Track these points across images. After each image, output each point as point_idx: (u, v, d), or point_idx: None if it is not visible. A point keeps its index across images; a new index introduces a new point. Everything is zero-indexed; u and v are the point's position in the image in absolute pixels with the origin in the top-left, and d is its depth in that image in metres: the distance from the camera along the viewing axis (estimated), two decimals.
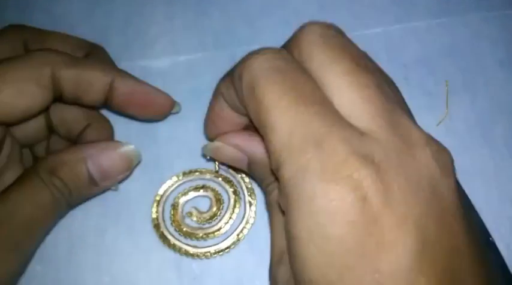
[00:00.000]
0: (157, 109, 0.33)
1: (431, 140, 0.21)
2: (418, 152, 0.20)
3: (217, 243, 0.32)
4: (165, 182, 0.34)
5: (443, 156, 0.21)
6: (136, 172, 0.34)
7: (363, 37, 0.38)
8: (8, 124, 0.29)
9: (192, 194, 0.34)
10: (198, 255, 0.32)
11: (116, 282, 0.31)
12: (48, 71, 0.27)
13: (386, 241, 0.18)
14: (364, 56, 0.23)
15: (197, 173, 0.34)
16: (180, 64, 0.38)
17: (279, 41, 0.38)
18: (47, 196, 0.27)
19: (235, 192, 0.33)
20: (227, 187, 0.34)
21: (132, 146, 0.31)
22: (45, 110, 0.30)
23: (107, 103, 0.31)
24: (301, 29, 0.24)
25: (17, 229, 0.27)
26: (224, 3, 0.40)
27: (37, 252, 0.31)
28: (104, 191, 0.32)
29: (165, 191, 0.33)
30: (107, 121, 0.34)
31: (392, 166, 0.19)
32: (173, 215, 0.33)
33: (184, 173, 0.34)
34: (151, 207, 0.33)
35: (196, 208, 0.33)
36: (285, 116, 0.20)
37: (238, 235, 0.32)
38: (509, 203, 0.33)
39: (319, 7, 0.40)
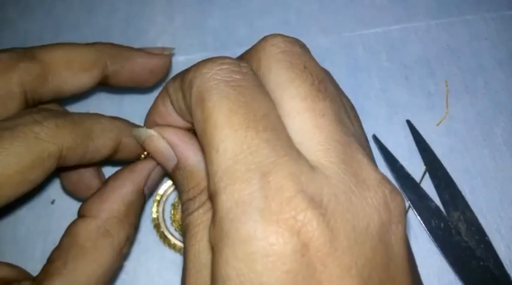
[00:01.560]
0: (156, 75, 0.32)
1: (384, 181, 0.19)
2: (369, 195, 0.18)
3: None
4: (165, 182, 0.34)
5: (395, 200, 0.19)
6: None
7: (363, 37, 0.39)
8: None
9: None
10: None
11: (116, 282, 0.31)
12: (54, 161, 0.24)
13: None
14: (326, 79, 0.21)
15: None
16: (180, 64, 0.37)
17: None
18: (117, 252, 0.25)
19: None
20: None
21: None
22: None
23: (108, 85, 0.30)
24: (264, 39, 0.22)
25: None
26: (224, 4, 0.40)
27: (38, 253, 0.31)
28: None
29: (165, 191, 0.33)
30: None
31: (340, 209, 0.18)
32: (173, 215, 0.33)
33: None
34: (152, 207, 0.33)
35: None
36: (232, 138, 0.18)
37: None
38: (509, 203, 0.33)
39: (319, 7, 0.40)
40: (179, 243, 0.32)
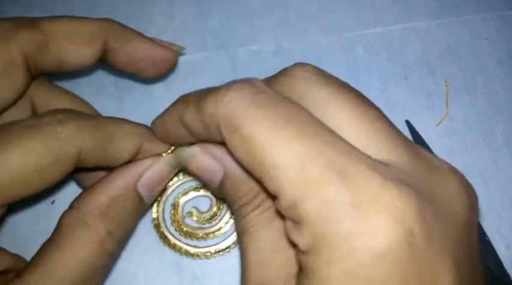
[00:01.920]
0: (160, 66, 0.31)
1: (454, 169, 0.20)
2: (448, 182, 0.19)
3: (218, 243, 0.32)
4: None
5: (471, 189, 0.20)
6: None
7: (363, 37, 0.39)
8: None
9: (192, 194, 0.34)
10: (198, 255, 0.32)
11: (115, 282, 0.31)
12: (74, 155, 0.23)
13: (427, 279, 0.17)
14: (294, 114, 0.20)
15: None
16: (180, 64, 0.37)
17: (279, 41, 0.38)
18: (96, 246, 0.24)
19: None
20: None
21: (171, 154, 0.27)
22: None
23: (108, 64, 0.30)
24: (293, 67, 0.22)
25: None
26: (224, 3, 0.40)
27: None
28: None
29: (165, 191, 0.33)
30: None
31: (426, 194, 0.17)
32: (173, 215, 0.33)
33: (184, 173, 0.34)
34: (152, 207, 0.33)
35: (196, 208, 0.33)
36: (288, 151, 0.18)
37: None
38: (509, 203, 0.33)
39: (319, 7, 0.40)
40: (179, 243, 0.32)
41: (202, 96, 0.21)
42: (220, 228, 0.33)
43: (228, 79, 0.36)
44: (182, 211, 0.33)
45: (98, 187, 0.25)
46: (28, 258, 0.31)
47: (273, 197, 0.19)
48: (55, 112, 0.25)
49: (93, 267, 0.24)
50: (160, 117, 0.26)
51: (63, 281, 0.23)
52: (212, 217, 0.33)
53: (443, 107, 0.36)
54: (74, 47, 0.27)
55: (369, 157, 0.18)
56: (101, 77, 0.37)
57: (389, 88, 0.37)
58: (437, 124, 0.36)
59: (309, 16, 0.39)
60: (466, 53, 0.38)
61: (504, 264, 0.31)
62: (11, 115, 0.27)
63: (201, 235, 0.32)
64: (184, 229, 0.33)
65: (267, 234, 0.22)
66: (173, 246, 0.32)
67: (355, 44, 0.38)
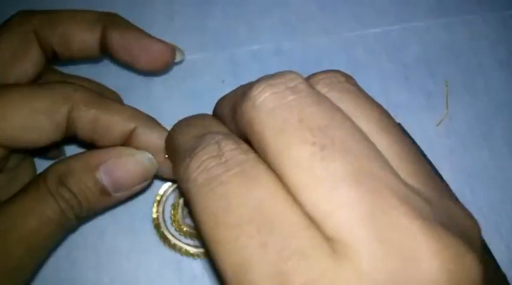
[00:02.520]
0: (156, 59, 0.32)
1: (444, 246, 0.15)
2: (422, 271, 0.14)
3: None
4: (165, 182, 0.34)
5: (463, 268, 0.15)
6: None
7: (363, 37, 0.39)
8: (11, 150, 0.26)
9: None
10: (198, 255, 0.32)
11: (115, 283, 0.31)
12: (65, 109, 0.25)
13: None
14: (331, 124, 0.17)
15: None
16: (180, 65, 0.37)
17: (279, 41, 0.38)
18: (53, 208, 0.24)
19: None
20: None
21: (149, 155, 0.27)
22: (54, 144, 0.27)
23: (104, 52, 0.31)
24: (249, 95, 0.18)
25: (16, 245, 0.24)
26: (224, 4, 0.40)
27: None
28: (117, 205, 0.29)
29: (165, 191, 0.33)
30: (156, 122, 0.29)
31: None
32: (173, 215, 0.33)
33: None
34: (152, 207, 0.33)
35: None
36: (225, 254, 0.16)
37: None
38: (509, 203, 0.33)
39: (319, 7, 0.40)
40: (179, 243, 0.32)
41: (177, 151, 0.21)
42: None
43: (228, 79, 0.37)
44: (182, 211, 0.33)
45: (62, 159, 0.26)
46: None
47: None
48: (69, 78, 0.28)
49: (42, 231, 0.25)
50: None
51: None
52: None
53: (443, 107, 0.36)
54: (77, 28, 0.29)
55: (314, 261, 0.15)
56: (101, 77, 0.37)
57: (389, 88, 0.37)
58: (437, 124, 0.36)
59: (309, 16, 0.40)
60: (466, 53, 0.38)
61: (500, 265, 0.30)
62: None
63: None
64: (185, 229, 0.33)
65: None
66: (173, 247, 0.32)
67: (355, 44, 0.38)
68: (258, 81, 0.18)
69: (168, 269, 0.32)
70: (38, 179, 0.25)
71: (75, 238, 0.32)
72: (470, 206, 0.33)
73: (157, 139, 0.27)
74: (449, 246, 0.15)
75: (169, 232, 0.32)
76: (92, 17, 0.30)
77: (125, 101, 0.36)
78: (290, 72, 0.18)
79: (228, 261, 0.16)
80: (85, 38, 0.30)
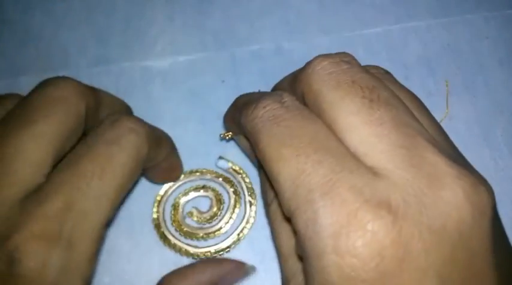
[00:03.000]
0: (169, 179, 0.34)
1: (463, 175, 0.18)
2: (445, 192, 0.18)
3: (218, 243, 0.32)
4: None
5: (477, 193, 0.18)
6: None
7: (363, 37, 0.39)
8: None
9: (192, 194, 0.34)
10: (198, 255, 0.32)
11: (116, 283, 0.31)
12: (83, 105, 0.25)
13: None
14: (377, 87, 0.21)
15: (198, 174, 0.34)
16: (180, 65, 0.38)
17: (279, 41, 0.38)
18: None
19: (235, 192, 0.33)
20: (227, 187, 0.34)
21: (252, 265, 0.31)
22: None
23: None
24: (309, 65, 0.22)
25: None
26: (224, 3, 0.40)
27: None
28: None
29: (165, 192, 0.33)
30: (178, 157, 0.33)
31: (411, 213, 0.17)
32: (174, 215, 0.33)
33: (185, 174, 0.34)
34: (152, 207, 0.33)
35: (196, 208, 0.33)
36: (286, 168, 0.19)
37: (238, 235, 0.32)
38: (509, 203, 0.33)
39: (319, 7, 0.40)
40: (179, 244, 0.32)
41: (243, 105, 0.24)
42: (221, 228, 0.33)
43: (228, 79, 0.37)
44: (182, 211, 0.33)
45: (190, 275, 0.28)
46: None
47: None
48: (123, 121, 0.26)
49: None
50: (226, 112, 0.31)
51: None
52: (212, 217, 0.33)
53: (444, 107, 0.36)
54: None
55: (361, 170, 0.19)
56: (101, 77, 0.37)
57: None
58: None
59: (309, 16, 0.39)
60: (466, 53, 0.38)
61: None
62: None
63: (201, 235, 0.32)
64: (185, 229, 0.33)
65: (286, 231, 0.23)
66: (173, 247, 0.32)
67: (355, 44, 0.38)
68: (317, 56, 0.22)
69: (168, 269, 0.32)
70: None
71: None
72: None
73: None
74: (468, 177, 0.18)
75: (169, 232, 0.33)
76: (122, 104, 0.31)
77: (125, 101, 0.36)
78: (345, 52, 0.23)
79: (287, 172, 0.19)
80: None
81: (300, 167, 0.19)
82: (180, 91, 0.37)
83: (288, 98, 0.22)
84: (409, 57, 0.38)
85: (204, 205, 0.33)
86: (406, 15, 0.39)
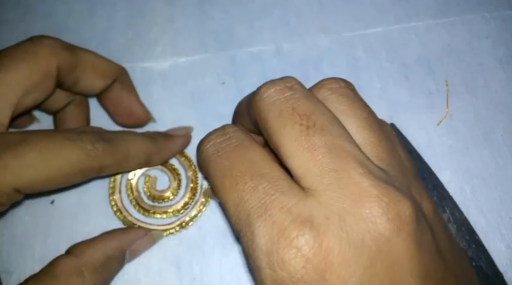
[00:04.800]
0: (130, 122, 0.35)
1: (383, 194, 0.20)
2: (364, 211, 0.20)
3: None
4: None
5: (396, 209, 0.20)
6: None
7: (363, 37, 0.39)
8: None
9: (139, 171, 0.34)
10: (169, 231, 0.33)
11: (116, 283, 0.31)
12: (97, 167, 0.28)
13: None
14: (315, 112, 0.23)
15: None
16: (180, 66, 0.38)
17: (279, 42, 0.38)
18: None
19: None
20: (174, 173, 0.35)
21: (159, 230, 0.33)
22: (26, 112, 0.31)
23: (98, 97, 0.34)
24: (258, 92, 0.24)
25: None
26: (224, 5, 0.40)
27: (38, 253, 0.32)
28: None
29: (115, 179, 0.34)
30: (85, 100, 0.35)
31: (332, 228, 0.20)
32: (134, 198, 0.34)
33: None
34: (110, 200, 0.34)
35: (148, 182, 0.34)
36: (229, 196, 0.22)
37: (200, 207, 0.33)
38: (509, 203, 0.33)
39: (319, 7, 0.40)
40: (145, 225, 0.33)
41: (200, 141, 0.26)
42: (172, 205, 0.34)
43: (228, 81, 0.37)
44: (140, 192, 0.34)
45: (97, 243, 0.29)
46: (27, 258, 0.31)
47: None
48: (90, 130, 0.30)
49: None
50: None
51: None
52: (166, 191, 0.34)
53: (444, 107, 0.36)
54: (92, 77, 0.32)
55: (292, 193, 0.21)
56: None
57: (389, 88, 0.37)
58: (438, 124, 0.36)
59: (309, 16, 0.40)
60: (466, 53, 0.38)
61: (496, 263, 0.30)
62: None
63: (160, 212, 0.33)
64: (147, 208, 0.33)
65: None
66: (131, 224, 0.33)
67: (355, 44, 0.38)
68: (265, 82, 0.24)
69: (168, 269, 0.32)
70: (69, 265, 0.28)
71: (76, 239, 0.32)
72: (471, 206, 0.33)
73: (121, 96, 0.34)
74: (388, 195, 0.20)
75: (133, 217, 0.33)
76: (108, 69, 0.33)
77: None
78: (289, 76, 0.25)
79: (230, 200, 0.22)
80: (95, 84, 0.32)
81: (239, 195, 0.22)
82: (180, 93, 0.37)
83: (230, 129, 0.25)
84: (409, 57, 0.38)
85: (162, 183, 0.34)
86: (406, 16, 0.39)
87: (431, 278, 0.21)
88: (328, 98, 0.25)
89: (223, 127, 0.26)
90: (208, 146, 0.25)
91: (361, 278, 0.19)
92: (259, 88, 0.24)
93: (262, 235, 0.20)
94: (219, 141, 0.25)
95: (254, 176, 0.22)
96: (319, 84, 0.25)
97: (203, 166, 0.25)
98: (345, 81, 0.26)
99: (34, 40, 0.29)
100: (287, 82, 0.24)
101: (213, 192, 0.24)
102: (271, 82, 0.24)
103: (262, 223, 0.20)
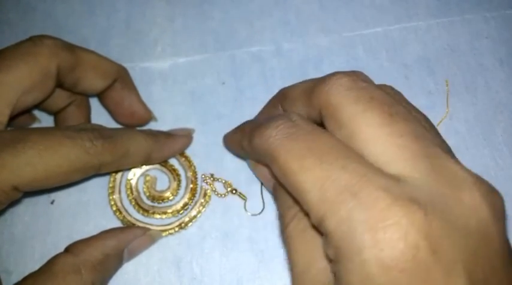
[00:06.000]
0: (131, 121, 0.35)
1: (480, 182, 0.20)
2: (465, 195, 0.20)
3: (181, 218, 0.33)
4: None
5: (493, 198, 0.20)
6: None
7: (363, 37, 0.39)
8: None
9: (139, 171, 0.34)
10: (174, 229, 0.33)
11: (116, 283, 0.31)
12: (96, 164, 0.28)
13: None
14: (394, 103, 0.23)
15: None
16: (180, 66, 0.38)
17: (279, 42, 0.38)
18: None
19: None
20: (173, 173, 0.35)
21: (157, 230, 0.32)
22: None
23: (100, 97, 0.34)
24: (328, 79, 0.24)
25: None
26: (224, 5, 0.40)
27: (38, 253, 0.32)
28: None
29: (115, 178, 0.34)
30: (86, 101, 0.35)
31: (438, 210, 0.19)
32: (134, 199, 0.34)
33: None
34: (110, 199, 0.33)
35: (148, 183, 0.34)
36: (311, 176, 0.21)
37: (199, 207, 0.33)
38: (509, 203, 0.33)
39: (319, 7, 0.40)
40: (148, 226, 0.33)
41: (252, 129, 0.25)
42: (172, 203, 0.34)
43: (228, 81, 0.37)
44: (139, 193, 0.34)
45: (95, 242, 0.29)
46: (27, 258, 0.32)
47: (307, 214, 0.22)
48: (90, 127, 0.30)
49: None
50: (228, 135, 0.33)
51: None
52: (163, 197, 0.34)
53: (444, 107, 0.36)
54: (93, 76, 0.32)
55: (384, 174, 0.20)
56: None
57: None
58: (438, 124, 0.36)
59: (309, 16, 0.40)
60: (466, 53, 0.38)
61: None
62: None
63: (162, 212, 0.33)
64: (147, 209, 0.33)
65: (305, 245, 0.24)
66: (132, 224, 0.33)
67: (355, 44, 0.38)
68: (334, 72, 0.24)
69: (168, 269, 0.32)
70: (68, 262, 0.28)
71: (76, 238, 0.32)
72: None
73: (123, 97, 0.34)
74: (484, 184, 0.20)
75: (132, 217, 0.33)
76: (109, 69, 0.33)
77: None
78: (359, 71, 0.25)
79: (314, 180, 0.21)
80: (95, 84, 0.32)
81: (324, 174, 0.20)
82: (180, 93, 0.37)
83: (297, 117, 0.24)
84: (409, 57, 0.38)
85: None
86: (406, 15, 0.39)
87: None
88: (333, 102, 0.24)
89: (289, 115, 0.24)
90: (276, 131, 0.23)
91: (466, 266, 0.19)
92: (329, 76, 0.24)
93: (362, 212, 0.19)
94: (288, 125, 0.23)
95: (339, 158, 0.21)
96: (322, 83, 0.25)
97: (269, 151, 0.23)
98: (346, 77, 0.25)
99: (34, 40, 0.29)
100: (360, 75, 0.24)
101: (283, 179, 0.23)
102: (343, 73, 0.24)
103: (361, 201, 0.19)
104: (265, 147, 0.24)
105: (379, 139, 0.21)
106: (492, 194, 0.20)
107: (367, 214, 0.19)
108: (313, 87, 0.25)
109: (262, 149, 0.24)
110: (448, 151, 0.23)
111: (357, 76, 0.24)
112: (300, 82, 0.28)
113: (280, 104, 0.29)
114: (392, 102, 0.23)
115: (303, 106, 0.26)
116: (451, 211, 0.19)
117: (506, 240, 0.20)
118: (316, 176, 0.21)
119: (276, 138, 0.23)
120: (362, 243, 0.19)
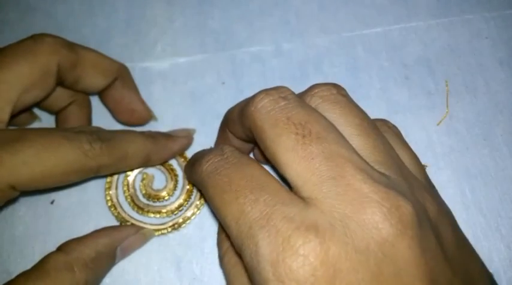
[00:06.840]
0: (132, 120, 0.35)
1: (384, 199, 0.20)
2: (367, 215, 0.20)
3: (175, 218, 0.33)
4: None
5: (397, 214, 0.20)
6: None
7: (363, 37, 0.39)
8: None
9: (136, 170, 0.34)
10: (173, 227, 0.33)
11: (116, 283, 0.31)
12: (94, 166, 0.28)
13: None
14: (310, 121, 0.23)
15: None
16: (180, 66, 0.38)
17: (278, 42, 0.38)
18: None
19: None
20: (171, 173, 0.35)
21: (150, 229, 0.33)
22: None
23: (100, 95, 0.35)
24: (252, 102, 0.24)
25: None
26: (224, 5, 0.40)
27: (37, 253, 0.32)
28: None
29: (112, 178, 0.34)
30: (88, 100, 0.35)
31: (337, 235, 0.20)
32: (129, 195, 0.34)
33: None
34: (106, 195, 0.34)
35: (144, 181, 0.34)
36: (229, 211, 0.22)
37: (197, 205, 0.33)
38: (509, 203, 0.33)
39: (319, 7, 0.40)
40: (142, 225, 0.33)
41: (192, 164, 0.27)
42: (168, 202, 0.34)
43: (228, 81, 0.37)
44: (136, 190, 0.34)
45: (88, 240, 0.29)
46: (27, 258, 0.32)
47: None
48: (89, 129, 0.30)
49: None
50: (184, 168, 0.33)
51: None
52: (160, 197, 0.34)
53: (444, 107, 0.36)
54: (93, 75, 0.32)
55: (293, 202, 0.21)
56: None
57: (389, 88, 0.37)
58: (438, 124, 0.36)
59: (309, 16, 0.40)
60: (466, 53, 0.38)
61: (504, 264, 0.30)
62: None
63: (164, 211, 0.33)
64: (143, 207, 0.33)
65: (240, 277, 0.25)
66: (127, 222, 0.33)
67: (355, 44, 0.38)
68: (259, 92, 0.24)
69: (168, 269, 0.32)
70: (60, 260, 0.28)
71: None
72: (470, 206, 0.33)
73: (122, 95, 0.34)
74: (389, 200, 0.20)
75: (127, 214, 0.33)
76: (110, 67, 0.33)
77: None
78: (282, 86, 0.25)
79: (230, 214, 0.22)
80: (96, 82, 0.33)
81: (240, 208, 0.22)
82: (180, 93, 0.37)
83: (227, 150, 0.25)
84: (409, 57, 0.38)
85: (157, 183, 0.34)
86: (406, 15, 0.39)
87: (439, 282, 0.20)
88: (320, 107, 0.25)
89: (221, 148, 0.26)
90: (206, 165, 0.25)
91: (369, 284, 0.19)
92: (252, 98, 0.24)
93: (266, 245, 0.20)
94: (217, 160, 0.25)
95: (254, 190, 0.22)
96: (310, 92, 0.25)
97: (202, 184, 0.25)
98: (336, 86, 0.26)
99: (35, 38, 0.29)
100: (281, 92, 0.24)
101: (214, 212, 0.24)
102: (265, 92, 0.24)
103: (265, 234, 0.20)
104: (199, 182, 0.25)
105: (293, 163, 0.22)
106: (397, 211, 0.20)
107: (271, 247, 0.20)
108: (243, 107, 0.25)
109: (198, 185, 0.26)
110: (360, 162, 0.22)
111: (278, 94, 0.24)
112: (239, 103, 0.28)
113: (227, 127, 0.30)
114: (308, 121, 0.23)
115: (240, 127, 0.27)
116: (351, 234, 0.20)
117: (418, 253, 0.20)
118: (233, 211, 0.22)
119: (206, 173, 0.25)
120: (266, 275, 0.20)
